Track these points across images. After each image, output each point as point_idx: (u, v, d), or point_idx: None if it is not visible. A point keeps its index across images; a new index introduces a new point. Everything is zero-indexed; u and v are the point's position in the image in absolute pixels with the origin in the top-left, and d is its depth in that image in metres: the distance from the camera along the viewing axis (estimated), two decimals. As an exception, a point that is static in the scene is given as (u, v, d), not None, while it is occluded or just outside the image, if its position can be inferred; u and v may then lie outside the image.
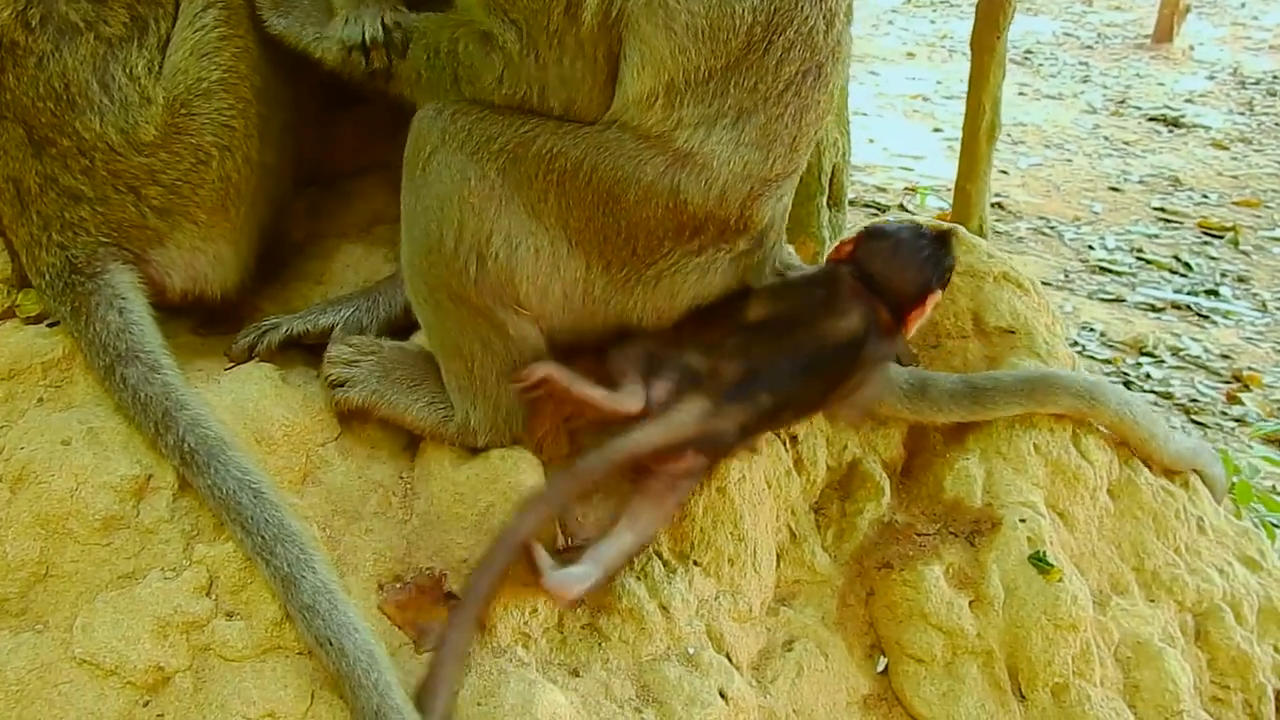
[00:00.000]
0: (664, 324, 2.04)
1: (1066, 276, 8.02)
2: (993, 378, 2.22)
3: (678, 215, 1.85)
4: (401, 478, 1.95)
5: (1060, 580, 2.08)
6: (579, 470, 1.89)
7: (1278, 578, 2.44)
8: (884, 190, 9.63)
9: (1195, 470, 2.42)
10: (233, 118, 1.95)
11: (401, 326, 2.07)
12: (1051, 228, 8.94)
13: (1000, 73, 4.74)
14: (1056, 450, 2.25)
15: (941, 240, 2.10)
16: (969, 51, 5.59)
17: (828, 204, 6.31)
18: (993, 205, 9.20)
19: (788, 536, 2.14)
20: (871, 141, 10.99)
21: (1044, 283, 7.90)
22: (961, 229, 2.38)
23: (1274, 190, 9.93)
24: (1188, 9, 14.16)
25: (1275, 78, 13.15)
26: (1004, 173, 10.12)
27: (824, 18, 1.87)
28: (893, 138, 11.07)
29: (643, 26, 1.77)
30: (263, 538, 1.67)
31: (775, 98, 1.85)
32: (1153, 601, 2.24)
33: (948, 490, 2.21)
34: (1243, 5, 16.16)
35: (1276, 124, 11.73)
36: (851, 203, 9.21)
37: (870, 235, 2.10)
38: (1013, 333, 2.37)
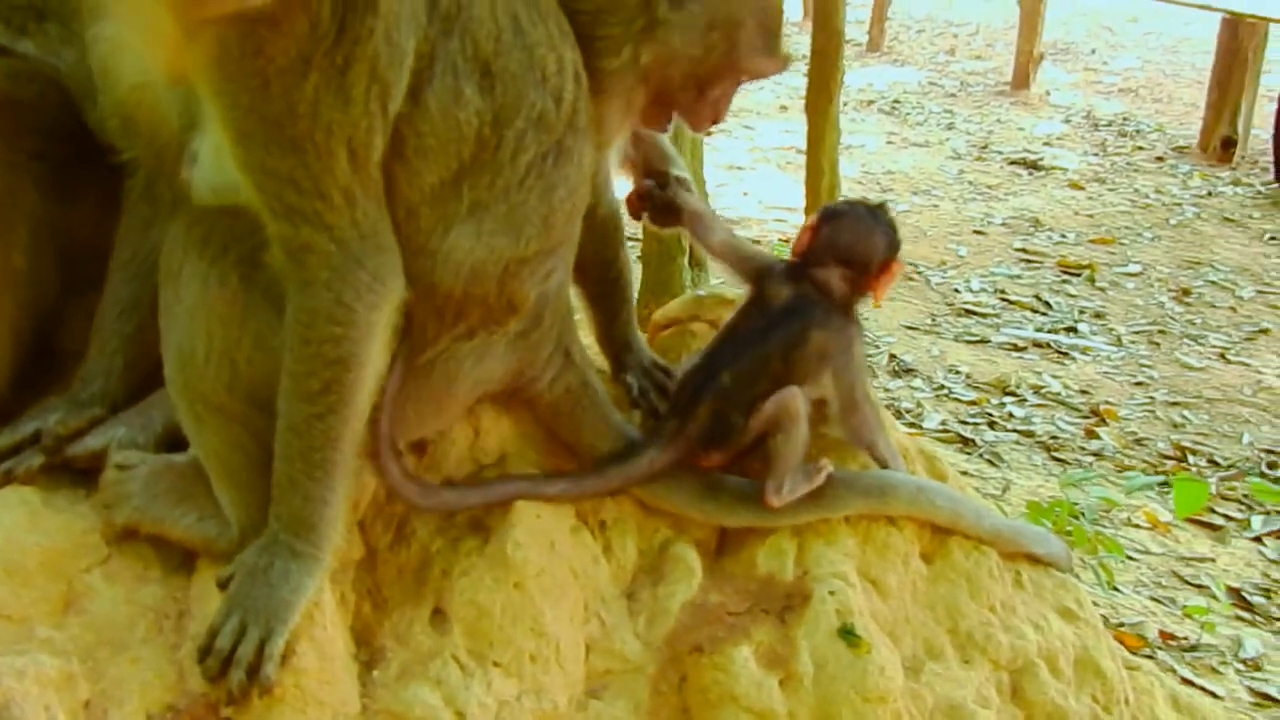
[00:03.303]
0: (446, 416, 2.01)
1: (934, 320, 8.22)
2: None
3: (431, 298, 1.83)
4: (175, 599, 1.85)
5: (869, 653, 2.07)
6: (542, 491, 2.07)
7: (1094, 626, 2.48)
8: (758, 243, 9.79)
9: (1024, 554, 2.44)
10: None
11: (181, 442, 1.98)
12: (919, 273, 9.17)
13: (835, 135, 4.87)
14: (866, 519, 2.25)
15: (884, 209, 2.32)
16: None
17: (689, 264, 6.39)
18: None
19: (597, 626, 2.09)
20: (746, 195, 11.21)
21: (911, 327, 8.13)
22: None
23: (1127, 227, 10.37)
24: (1041, 57, 14.83)
25: (1125, 120, 13.81)
26: (874, 221, 10.38)
27: (552, 98, 1.88)
28: (767, 191, 11.30)
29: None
30: None
31: (517, 185, 1.86)
32: (967, 663, 2.25)
33: (760, 566, 2.20)
34: (1093, 51, 17.01)
35: (1128, 163, 12.30)
36: (726, 257, 9.36)
37: (828, 214, 2.31)
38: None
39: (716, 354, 2.22)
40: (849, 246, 2.23)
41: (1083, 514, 4.16)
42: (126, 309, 2.04)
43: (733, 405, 2.15)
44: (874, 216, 2.29)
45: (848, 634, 2.08)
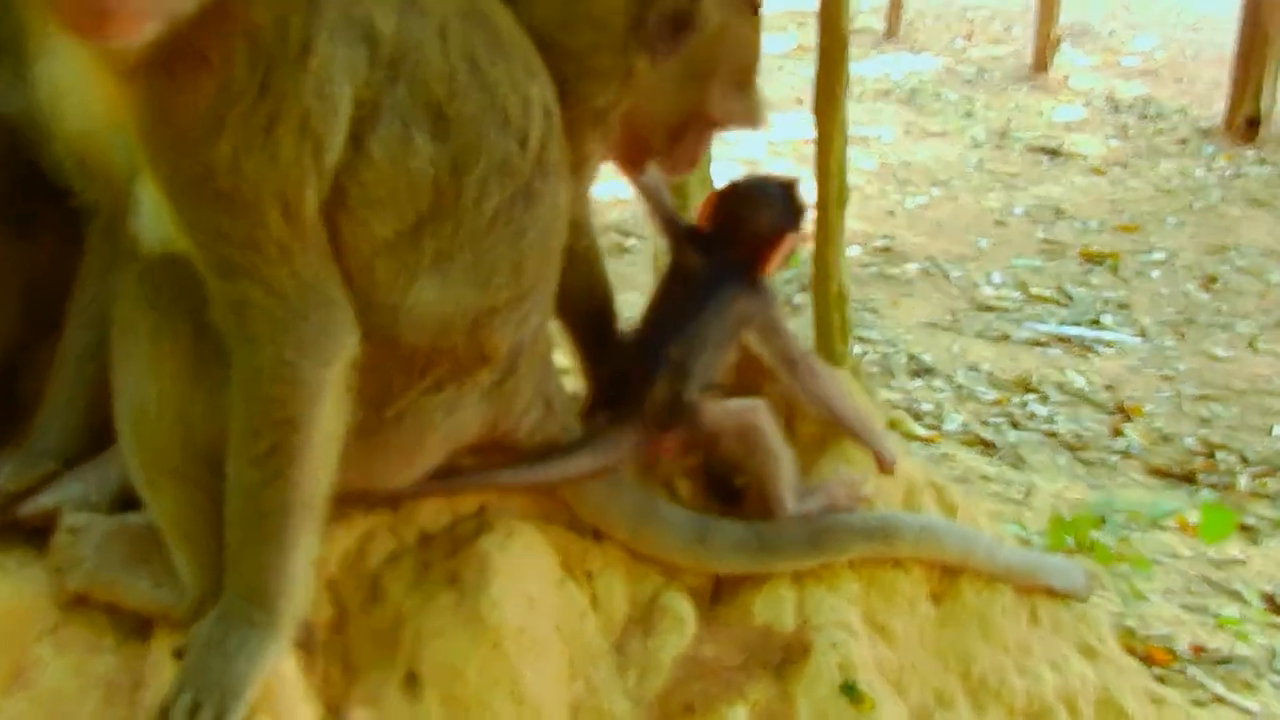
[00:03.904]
0: (417, 470, 1.90)
1: (954, 317, 8.04)
2: (779, 529, 2.10)
3: (395, 352, 1.73)
4: (129, 670, 1.75)
5: (873, 710, 1.94)
6: (500, 479, 2.01)
7: (1117, 662, 2.34)
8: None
9: (1041, 586, 2.30)
10: None
11: (138, 501, 1.89)
12: (939, 267, 8.99)
13: (843, 139, 4.73)
14: (871, 562, 2.13)
15: (790, 186, 2.31)
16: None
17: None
18: (881, 249, 9.26)
19: (583, 685, 1.97)
20: (763, 190, 11.06)
21: (930, 325, 7.95)
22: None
23: (1150, 213, 10.14)
24: (1059, 39, 14.57)
25: (1147, 102, 13.54)
26: (891, 214, 10.21)
27: (516, 140, 1.78)
28: (783, 185, 11.15)
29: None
30: None
31: (483, 232, 1.75)
32: (980, 711, 2.12)
33: (757, 615, 2.08)
34: (1112, 32, 16.70)
35: (1150, 147, 12.05)
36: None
37: (724, 190, 2.31)
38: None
39: (659, 328, 2.18)
40: (739, 223, 2.24)
41: (1104, 521, 3.99)
42: (84, 356, 1.95)
43: (684, 379, 2.10)
44: (766, 193, 2.30)
45: (850, 690, 1.96)
